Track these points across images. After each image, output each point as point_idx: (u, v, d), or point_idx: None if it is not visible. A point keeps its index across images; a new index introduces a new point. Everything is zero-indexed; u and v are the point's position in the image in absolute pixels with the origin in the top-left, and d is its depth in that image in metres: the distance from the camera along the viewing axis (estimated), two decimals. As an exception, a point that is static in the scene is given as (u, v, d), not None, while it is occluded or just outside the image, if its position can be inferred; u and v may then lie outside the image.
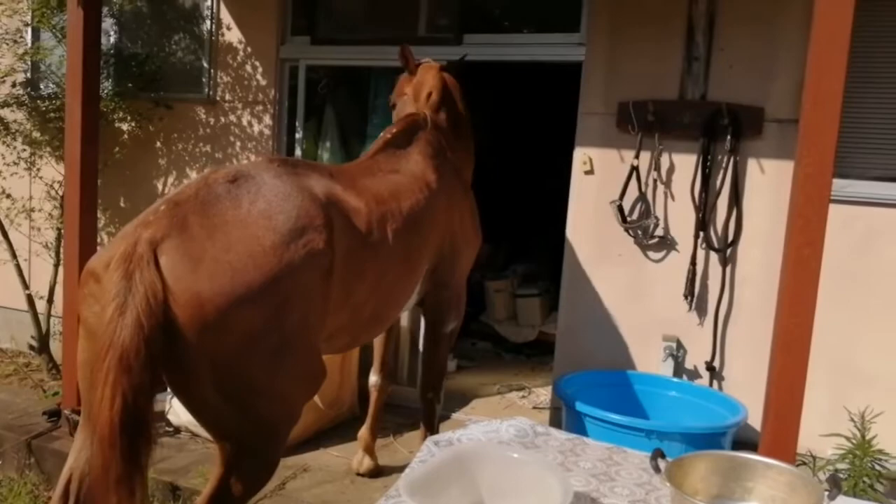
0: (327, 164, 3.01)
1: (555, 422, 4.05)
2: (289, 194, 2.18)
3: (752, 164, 3.70)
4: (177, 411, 3.90)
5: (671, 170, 3.87)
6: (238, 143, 4.88)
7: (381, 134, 3.11)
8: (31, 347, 4.98)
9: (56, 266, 4.96)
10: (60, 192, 4.90)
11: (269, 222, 2.07)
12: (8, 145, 4.90)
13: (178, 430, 3.94)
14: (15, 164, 4.90)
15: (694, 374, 3.86)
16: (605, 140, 3.97)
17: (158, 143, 5.11)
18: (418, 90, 3.42)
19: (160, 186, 5.14)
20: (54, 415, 3.97)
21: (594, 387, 3.56)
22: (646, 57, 3.87)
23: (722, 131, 3.69)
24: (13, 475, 3.73)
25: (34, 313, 4.92)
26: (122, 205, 5.26)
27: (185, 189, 2.09)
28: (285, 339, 2.10)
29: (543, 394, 4.78)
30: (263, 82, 4.76)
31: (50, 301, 4.98)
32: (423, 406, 3.43)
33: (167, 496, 3.36)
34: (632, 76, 3.90)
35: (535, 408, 4.60)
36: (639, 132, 3.83)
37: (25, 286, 4.89)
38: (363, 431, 3.55)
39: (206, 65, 4.87)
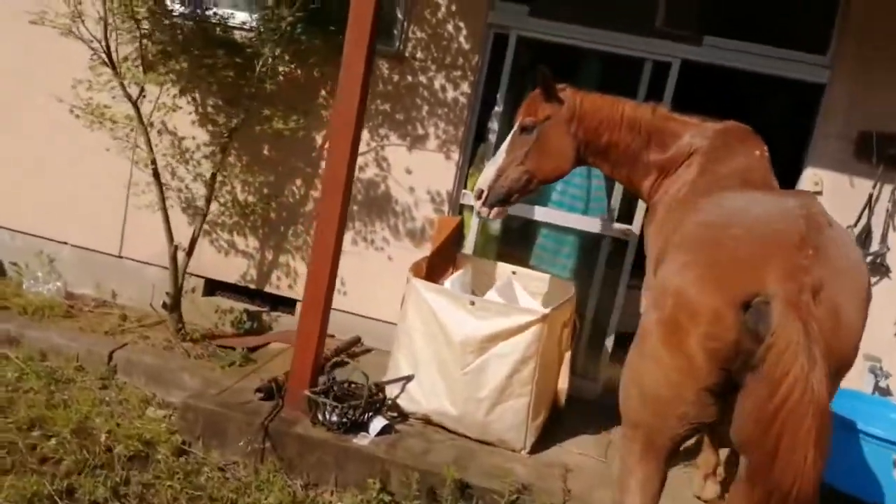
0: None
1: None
2: (850, 243, 2.30)
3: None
4: (415, 398, 3.65)
5: (899, 202, 4.09)
6: (426, 108, 4.53)
7: (753, 152, 3.02)
8: (164, 305, 4.42)
9: (204, 217, 4.42)
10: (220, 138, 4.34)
11: (861, 274, 2.13)
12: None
13: (406, 416, 3.68)
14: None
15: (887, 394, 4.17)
16: (839, 165, 4.11)
17: (324, 92, 4.63)
18: (610, 118, 3.33)
19: (317, 139, 4.67)
20: (268, 392, 3.59)
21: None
22: (891, 90, 4.03)
23: (966, 175, 3.96)
24: (247, 461, 3.35)
25: (174, 268, 4.36)
26: (265, 153, 4.73)
27: (810, 228, 1.99)
28: None
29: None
30: (466, 46, 4.44)
31: (190, 254, 4.43)
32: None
33: (456, 495, 3.17)
34: (875, 107, 4.05)
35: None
36: (880, 164, 4.01)
37: (171, 238, 4.30)
38: None
39: (399, 15, 4.44)
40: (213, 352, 4.42)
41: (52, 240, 5.10)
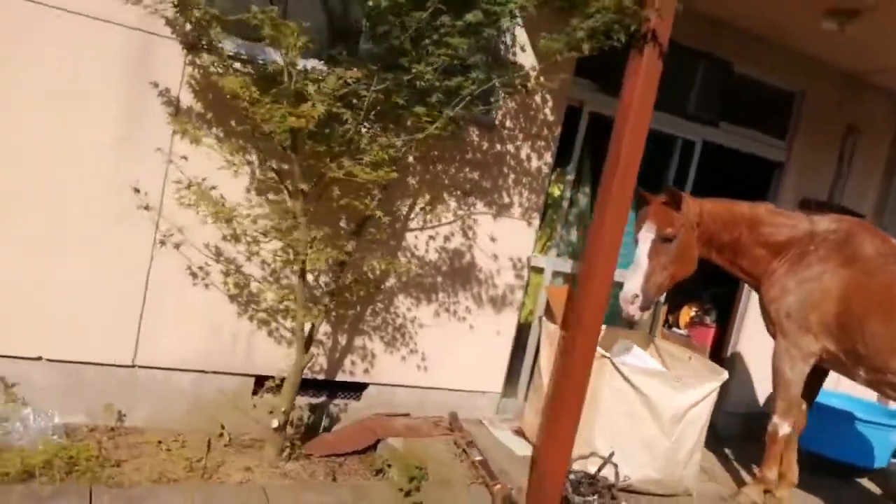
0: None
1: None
2: None
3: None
4: (617, 471, 3.83)
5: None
6: (512, 176, 4.51)
7: (890, 240, 4.03)
8: (278, 427, 3.58)
9: (327, 309, 3.69)
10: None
11: None
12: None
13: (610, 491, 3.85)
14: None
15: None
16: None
17: (411, 159, 4.21)
18: (732, 220, 4.07)
19: (404, 209, 4.25)
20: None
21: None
22: (818, 170, 5.56)
23: (851, 227, 5.70)
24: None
25: (297, 378, 3.60)
26: (343, 224, 4.10)
27: None
28: None
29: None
30: (551, 118, 4.55)
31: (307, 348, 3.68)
32: None
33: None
34: (806, 181, 5.54)
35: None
36: (815, 222, 5.53)
37: (307, 345, 3.51)
38: None
39: (496, 84, 4.30)
40: (338, 468, 3.84)
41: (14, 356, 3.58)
